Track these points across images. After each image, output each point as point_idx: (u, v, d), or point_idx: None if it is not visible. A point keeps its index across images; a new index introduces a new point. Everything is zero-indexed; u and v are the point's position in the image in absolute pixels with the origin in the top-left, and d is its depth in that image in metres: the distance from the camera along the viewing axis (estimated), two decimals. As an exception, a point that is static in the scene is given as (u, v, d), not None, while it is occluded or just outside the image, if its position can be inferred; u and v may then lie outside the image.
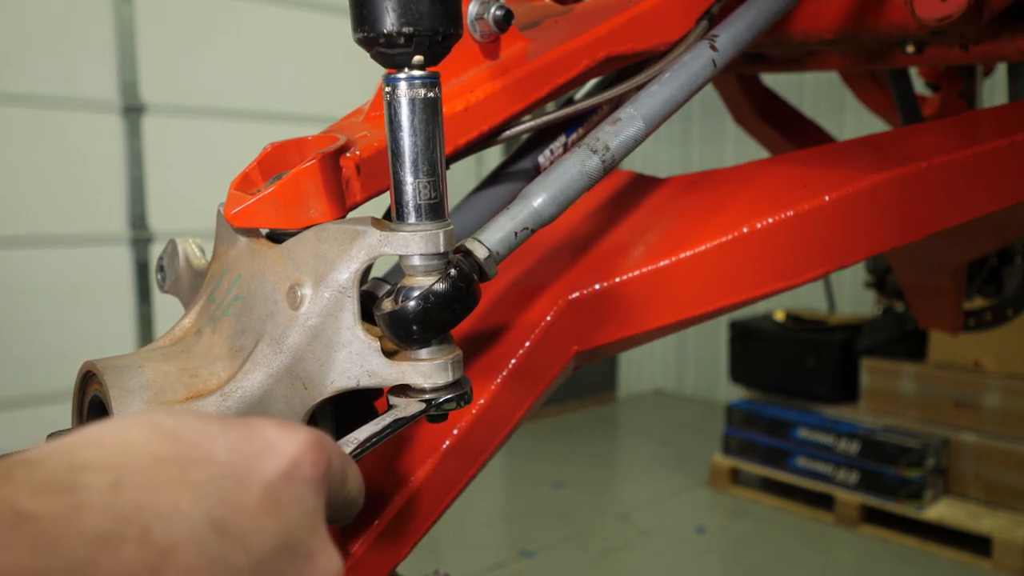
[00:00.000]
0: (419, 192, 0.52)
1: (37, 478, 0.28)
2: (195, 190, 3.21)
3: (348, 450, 0.51)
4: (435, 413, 0.54)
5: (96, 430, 0.32)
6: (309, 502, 0.35)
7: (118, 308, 3.19)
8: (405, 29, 0.49)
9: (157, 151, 3.22)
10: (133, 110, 3.15)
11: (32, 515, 0.26)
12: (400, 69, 0.51)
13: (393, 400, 0.54)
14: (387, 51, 0.50)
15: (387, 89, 0.52)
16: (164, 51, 3.21)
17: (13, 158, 2.91)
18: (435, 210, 0.53)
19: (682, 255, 0.76)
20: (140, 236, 3.21)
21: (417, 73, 0.51)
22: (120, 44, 3.11)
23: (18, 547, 0.25)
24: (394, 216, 0.53)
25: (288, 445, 0.36)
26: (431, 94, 0.51)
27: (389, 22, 0.49)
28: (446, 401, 0.53)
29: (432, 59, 0.51)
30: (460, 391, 0.54)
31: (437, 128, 0.52)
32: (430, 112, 0.51)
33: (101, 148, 3.11)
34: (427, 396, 0.53)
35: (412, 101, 0.51)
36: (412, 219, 0.52)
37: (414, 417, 0.53)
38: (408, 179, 0.52)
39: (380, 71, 0.53)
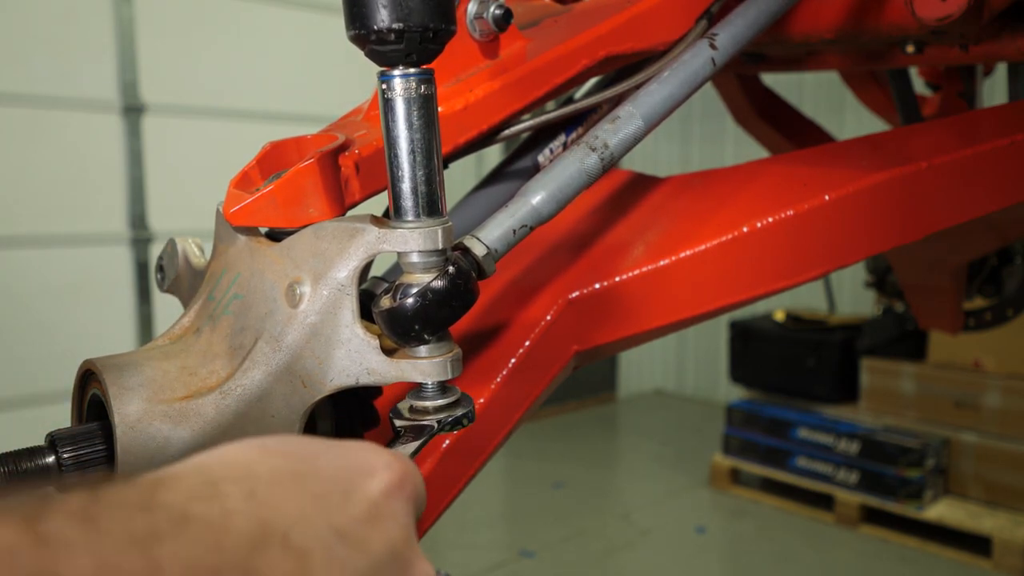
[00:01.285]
0: (416, 189, 0.52)
1: (185, 488, 0.30)
2: (195, 190, 3.21)
3: None
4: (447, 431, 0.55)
5: (213, 453, 0.35)
6: (404, 517, 0.38)
7: (118, 308, 3.19)
8: (396, 25, 0.49)
9: (157, 151, 3.22)
10: (133, 110, 3.15)
11: (195, 517, 0.29)
12: (394, 66, 0.51)
13: (400, 424, 0.54)
14: (379, 48, 0.50)
15: (382, 87, 0.52)
16: (164, 51, 3.21)
17: (13, 158, 2.91)
18: (433, 207, 0.53)
19: (682, 254, 0.76)
20: (140, 236, 3.21)
21: (411, 70, 0.51)
22: (120, 44, 3.11)
23: (193, 543, 0.28)
24: (392, 214, 0.53)
25: (385, 466, 0.39)
26: (426, 91, 0.51)
27: (380, 19, 0.49)
28: (455, 421, 0.54)
29: (425, 56, 0.51)
30: (466, 408, 0.55)
31: (433, 125, 0.52)
32: (425, 109, 0.51)
33: (101, 148, 3.11)
34: (434, 417, 0.54)
35: (407, 98, 0.51)
36: (410, 216, 0.52)
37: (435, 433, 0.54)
38: (405, 175, 0.52)
39: (378, 71, 0.53)
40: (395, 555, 0.36)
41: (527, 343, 0.72)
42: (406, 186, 0.52)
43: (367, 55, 0.52)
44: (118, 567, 0.26)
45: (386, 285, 0.54)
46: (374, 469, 0.39)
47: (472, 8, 0.71)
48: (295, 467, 0.36)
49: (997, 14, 0.88)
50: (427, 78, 0.51)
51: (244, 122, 3.41)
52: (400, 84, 0.51)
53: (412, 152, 0.52)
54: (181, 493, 0.30)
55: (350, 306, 0.52)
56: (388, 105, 0.52)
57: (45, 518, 0.26)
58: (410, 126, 0.51)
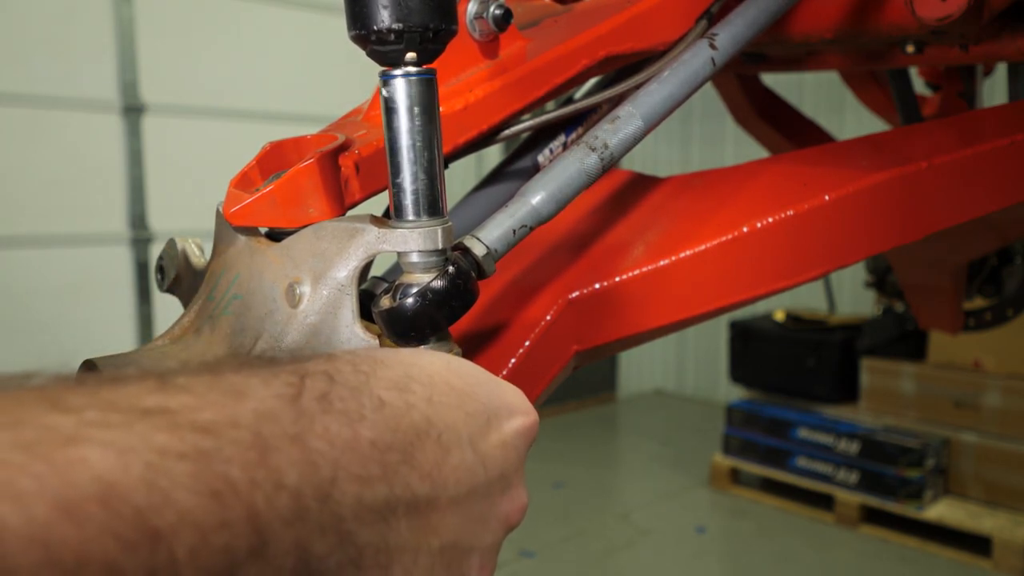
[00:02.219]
0: (417, 189, 0.52)
1: (387, 377, 0.41)
2: (195, 190, 3.21)
3: None
4: None
5: (416, 356, 0.46)
6: (522, 452, 0.49)
7: (118, 308, 3.19)
8: (396, 25, 0.49)
9: (157, 151, 3.22)
10: (133, 110, 3.15)
11: (386, 403, 0.39)
12: (395, 66, 0.51)
13: None
14: (380, 48, 0.50)
15: (383, 87, 0.52)
16: (164, 51, 3.21)
17: (13, 158, 2.91)
18: (433, 207, 0.53)
19: (682, 254, 0.76)
20: (140, 236, 3.22)
21: (412, 70, 0.51)
22: (120, 44, 3.11)
23: (376, 423, 0.38)
24: (393, 213, 0.53)
25: (524, 412, 0.50)
26: (427, 91, 0.51)
27: (380, 19, 0.49)
28: None
29: (427, 56, 0.51)
30: None
31: (434, 125, 0.52)
32: (426, 109, 0.51)
33: (101, 148, 3.11)
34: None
35: (408, 98, 0.51)
36: (410, 216, 0.52)
37: None
38: (406, 175, 0.52)
39: (379, 71, 0.53)
40: (504, 477, 0.47)
41: (527, 343, 0.72)
42: (406, 186, 0.52)
43: (368, 55, 0.52)
44: (338, 435, 0.36)
45: (386, 285, 0.54)
46: (515, 411, 0.49)
47: (472, 8, 0.71)
48: (463, 387, 0.45)
49: (997, 14, 0.88)
50: (429, 78, 0.52)
51: (244, 122, 3.41)
52: (401, 84, 0.51)
53: (413, 151, 0.52)
54: (383, 381, 0.40)
55: (350, 306, 0.52)
56: (389, 105, 0.52)
57: (299, 397, 0.36)
58: (411, 125, 0.51)
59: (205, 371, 0.35)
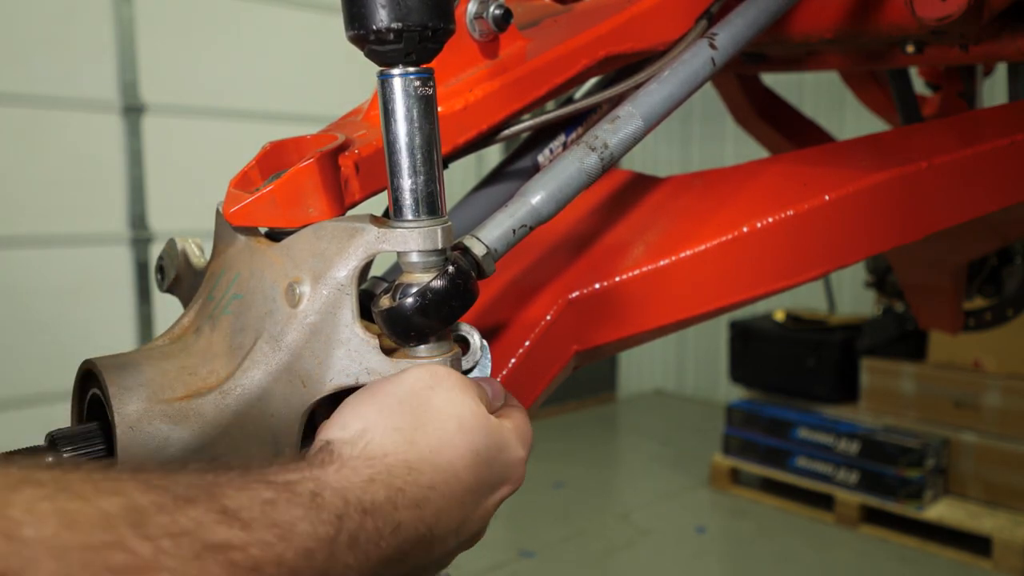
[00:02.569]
0: (416, 187, 0.52)
1: (412, 496, 0.46)
2: (195, 190, 3.21)
3: None
4: None
5: (446, 450, 0.49)
6: (495, 509, 0.53)
7: (118, 308, 3.19)
8: (394, 25, 0.49)
9: (157, 151, 3.22)
10: (133, 110, 3.15)
11: (402, 525, 0.45)
12: (393, 66, 0.51)
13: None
14: (378, 48, 0.50)
15: (381, 86, 0.52)
16: (164, 51, 3.21)
17: (13, 158, 2.91)
18: (432, 205, 0.53)
19: (682, 254, 0.75)
20: (140, 236, 3.21)
21: (411, 69, 0.51)
22: (120, 44, 3.11)
23: (388, 547, 0.44)
24: (392, 213, 0.53)
25: (514, 480, 0.53)
26: (426, 90, 0.51)
27: (378, 18, 0.49)
28: None
29: (424, 55, 0.51)
30: None
31: (433, 123, 0.52)
32: (425, 108, 0.52)
33: (101, 148, 3.11)
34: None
35: (406, 97, 0.51)
36: (410, 216, 0.52)
37: None
38: (405, 175, 0.52)
39: (377, 71, 0.53)
40: (473, 538, 0.52)
41: (527, 343, 0.72)
42: (406, 185, 0.52)
43: (366, 55, 0.52)
44: (353, 564, 0.41)
45: (386, 285, 0.54)
46: (508, 481, 0.53)
47: (472, 8, 0.71)
48: (475, 481, 0.50)
49: (997, 14, 0.88)
50: (427, 77, 0.52)
51: (244, 122, 3.41)
52: (400, 83, 0.51)
53: (412, 151, 0.52)
54: (408, 499, 0.45)
55: (350, 306, 0.52)
56: (387, 104, 0.52)
57: (335, 539, 0.41)
58: (410, 125, 0.51)
59: (255, 484, 0.40)
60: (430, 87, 0.52)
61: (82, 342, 3.04)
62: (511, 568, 3.25)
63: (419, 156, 0.52)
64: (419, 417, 0.49)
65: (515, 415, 0.56)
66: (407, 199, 0.52)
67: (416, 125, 0.51)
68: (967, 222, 0.86)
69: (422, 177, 0.52)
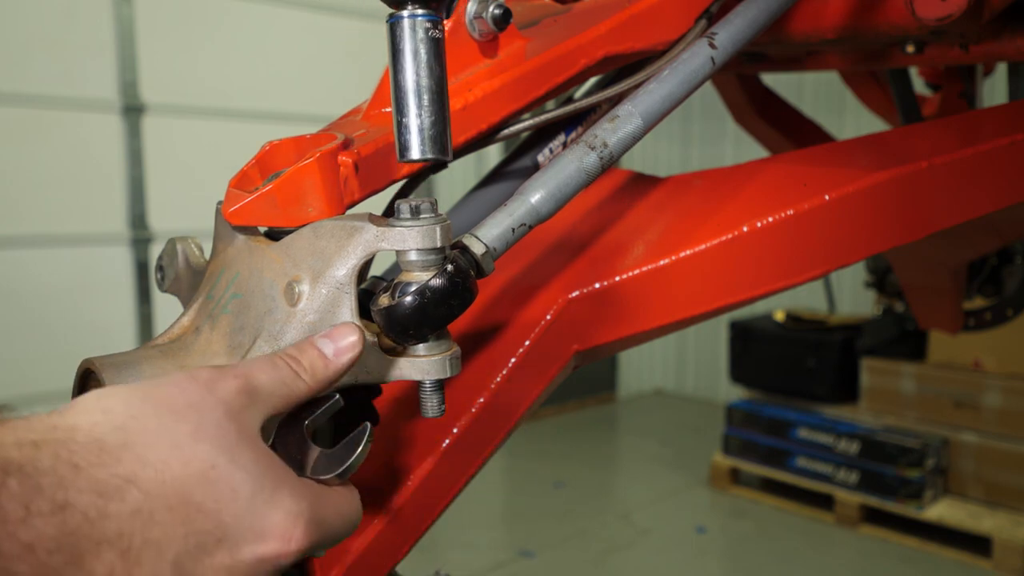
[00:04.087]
0: (422, 126, 0.53)
1: (97, 479, 0.40)
2: (195, 190, 3.21)
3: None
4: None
5: (175, 454, 0.42)
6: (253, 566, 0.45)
7: (118, 308, 3.19)
8: None
9: (157, 151, 3.22)
10: (133, 110, 3.15)
11: (70, 506, 0.38)
12: (403, 7, 0.52)
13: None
14: None
15: (391, 30, 0.53)
16: (164, 51, 3.21)
17: (13, 158, 2.91)
18: (441, 147, 0.53)
19: (682, 254, 0.75)
20: (140, 236, 3.21)
21: (419, 11, 0.52)
22: (120, 44, 3.11)
23: (43, 525, 0.38)
24: (398, 155, 0.54)
25: (279, 538, 0.45)
26: (435, 32, 0.52)
27: None
28: None
29: None
30: None
31: (442, 66, 0.53)
32: (434, 49, 0.52)
33: (101, 148, 3.11)
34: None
35: (415, 38, 0.52)
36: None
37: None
38: (412, 118, 0.53)
39: (379, 71, 0.53)
40: None
41: (527, 342, 0.72)
42: (412, 124, 0.53)
43: None
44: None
45: (385, 283, 0.54)
46: (266, 537, 0.44)
47: (471, 8, 0.71)
48: (201, 503, 0.42)
49: (997, 14, 0.88)
50: (436, 20, 0.53)
51: (244, 122, 3.41)
52: (408, 24, 0.52)
53: (419, 94, 0.52)
54: (90, 483, 0.39)
55: (349, 304, 0.52)
56: (396, 45, 0.52)
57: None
58: (418, 65, 0.52)
59: None
60: (439, 31, 0.53)
61: (82, 342, 3.04)
62: (511, 568, 3.25)
63: (427, 98, 0.52)
64: (150, 411, 0.43)
65: (340, 490, 0.50)
66: (413, 137, 0.53)
67: (424, 68, 0.52)
68: (967, 222, 0.86)
69: (429, 119, 0.53)
